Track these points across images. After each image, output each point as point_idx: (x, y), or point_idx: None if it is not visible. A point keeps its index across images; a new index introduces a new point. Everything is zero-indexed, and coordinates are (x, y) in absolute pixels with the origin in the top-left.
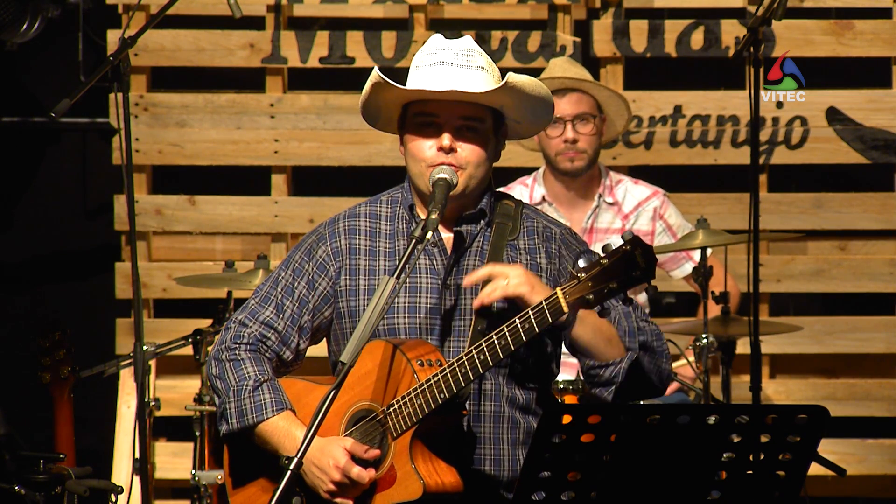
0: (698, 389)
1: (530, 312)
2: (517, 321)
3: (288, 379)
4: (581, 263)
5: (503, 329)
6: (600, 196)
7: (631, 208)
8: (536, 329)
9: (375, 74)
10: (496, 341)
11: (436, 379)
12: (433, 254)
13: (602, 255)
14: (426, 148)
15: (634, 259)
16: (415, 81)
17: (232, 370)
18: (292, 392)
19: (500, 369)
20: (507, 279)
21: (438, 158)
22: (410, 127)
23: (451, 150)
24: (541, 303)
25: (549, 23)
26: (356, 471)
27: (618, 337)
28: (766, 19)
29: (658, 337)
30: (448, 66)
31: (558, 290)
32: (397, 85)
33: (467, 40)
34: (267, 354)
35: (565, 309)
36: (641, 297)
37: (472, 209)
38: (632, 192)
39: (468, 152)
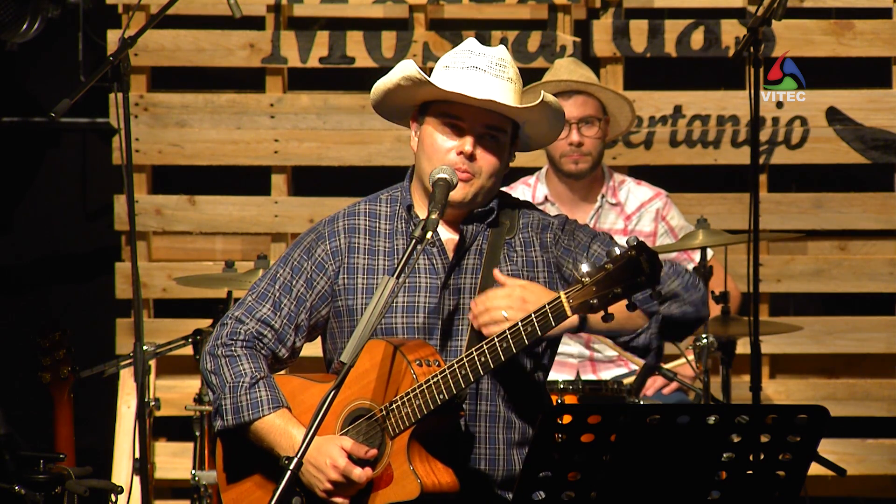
0: (698, 389)
1: (533, 316)
2: (520, 324)
3: (283, 376)
4: (585, 268)
5: (505, 332)
6: (603, 196)
7: (634, 209)
8: (539, 333)
9: (414, 71)
10: (497, 343)
11: (435, 380)
12: (432, 253)
13: (606, 259)
14: (445, 149)
15: (639, 265)
16: (448, 82)
17: (228, 366)
18: (287, 390)
19: (497, 369)
20: (503, 313)
21: (456, 164)
22: (431, 124)
23: (471, 157)
24: (544, 306)
25: (549, 23)
26: (353, 470)
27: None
28: (766, 19)
29: (676, 274)
30: (481, 73)
31: (562, 293)
32: (437, 85)
33: (501, 50)
34: (263, 351)
35: (569, 313)
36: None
37: (482, 208)
38: (635, 193)
39: (485, 162)
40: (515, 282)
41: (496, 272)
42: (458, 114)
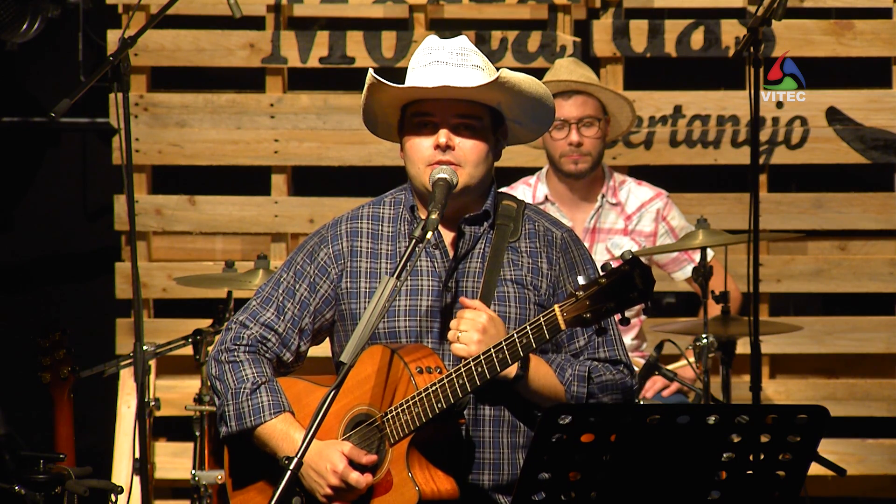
0: (698, 389)
1: (528, 328)
2: (515, 336)
3: (289, 379)
4: (580, 281)
5: (501, 343)
6: (603, 196)
7: (634, 209)
8: (534, 345)
9: (370, 76)
10: (494, 355)
11: (434, 388)
12: (434, 256)
13: (601, 273)
14: (423, 147)
15: (633, 280)
16: (409, 81)
17: (231, 372)
18: (293, 392)
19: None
20: (458, 334)
21: (436, 157)
22: (408, 128)
23: (447, 148)
24: (538, 319)
25: (549, 23)
26: (353, 476)
27: (566, 399)
28: (766, 19)
29: (620, 388)
30: (443, 66)
31: (556, 307)
32: (390, 84)
33: (462, 39)
34: (267, 355)
35: (562, 326)
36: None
37: (476, 210)
38: (635, 193)
39: (466, 150)
40: (484, 309)
41: (463, 299)
42: (427, 110)
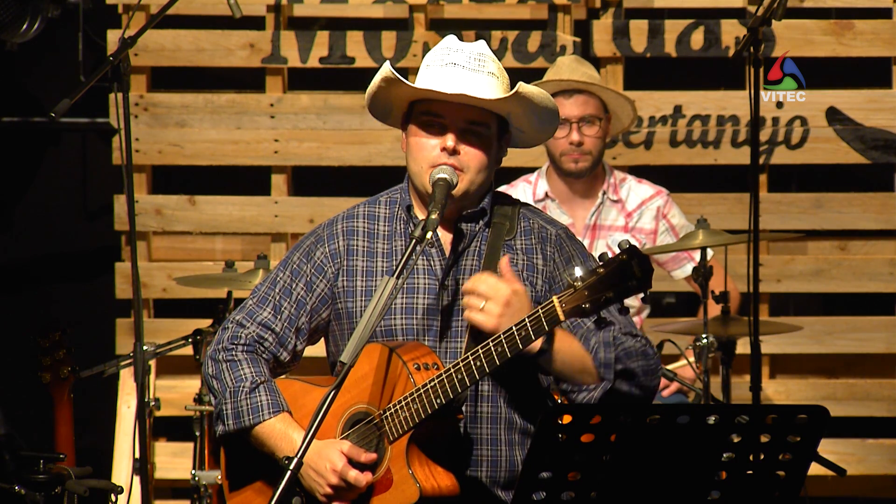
0: (698, 389)
1: (527, 320)
2: (514, 328)
3: (285, 380)
4: (577, 272)
5: (500, 335)
6: (604, 193)
7: (634, 206)
8: (533, 337)
9: (387, 69)
10: (492, 348)
11: (432, 384)
12: (431, 254)
13: (598, 264)
14: (429, 147)
15: (631, 269)
16: (425, 80)
17: (229, 371)
18: (289, 393)
19: (497, 370)
20: (482, 303)
21: (440, 159)
22: (415, 124)
23: (454, 152)
24: (537, 311)
25: (549, 23)
26: (353, 474)
27: (593, 366)
28: (766, 19)
29: (644, 355)
30: (459, 69)
31: (555, 298)
32: (408, 83)
33: (482, 45)
34: (264, 355)
35: (561, 317)
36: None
37: (473, 208)
38: (635, 191)
39: (471, 156)
40: (512, 281)
41: (504, 263)
42: (438, 111)
